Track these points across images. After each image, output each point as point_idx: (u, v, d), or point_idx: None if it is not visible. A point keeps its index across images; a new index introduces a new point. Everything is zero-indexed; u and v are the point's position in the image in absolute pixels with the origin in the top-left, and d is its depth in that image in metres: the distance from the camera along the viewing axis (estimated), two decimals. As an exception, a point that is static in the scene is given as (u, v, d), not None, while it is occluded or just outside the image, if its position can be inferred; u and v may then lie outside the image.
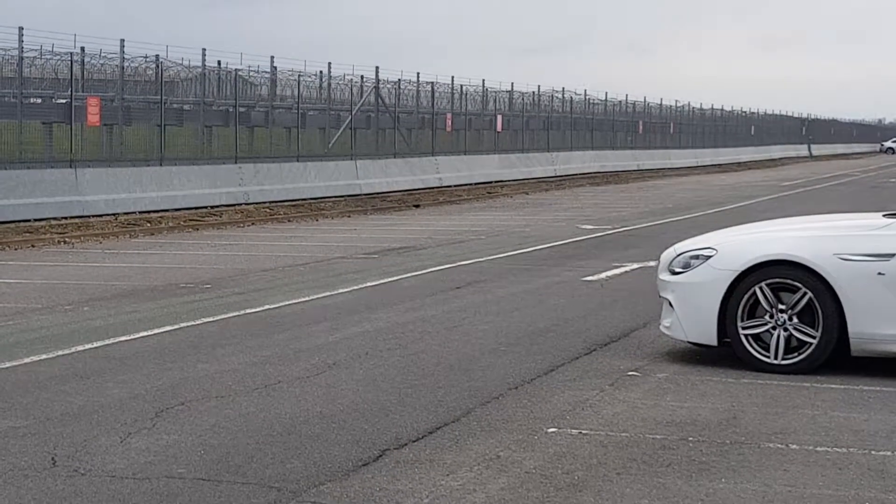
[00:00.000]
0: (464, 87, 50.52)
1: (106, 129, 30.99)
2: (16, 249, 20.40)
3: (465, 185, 43.34)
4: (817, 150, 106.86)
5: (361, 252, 19.85)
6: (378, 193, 37.08)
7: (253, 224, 26.69)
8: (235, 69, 37.45)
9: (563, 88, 60.79)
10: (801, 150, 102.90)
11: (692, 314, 9.91)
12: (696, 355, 10.24)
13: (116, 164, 29.61)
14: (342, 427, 7.79)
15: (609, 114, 66.38)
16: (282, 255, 19.24)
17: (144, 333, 11.46)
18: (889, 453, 7.25)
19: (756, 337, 9.68)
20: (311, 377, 9.38)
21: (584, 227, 25.56)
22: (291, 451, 7.20)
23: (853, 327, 9.42)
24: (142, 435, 7.57)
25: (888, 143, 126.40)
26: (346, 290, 14.79)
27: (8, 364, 9.90)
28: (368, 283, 15.43)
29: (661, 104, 75.22)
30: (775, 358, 9.59)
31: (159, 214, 27.53)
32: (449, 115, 47.54)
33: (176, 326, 11.88)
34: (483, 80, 52.59)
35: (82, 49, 31.69)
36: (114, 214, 26.68)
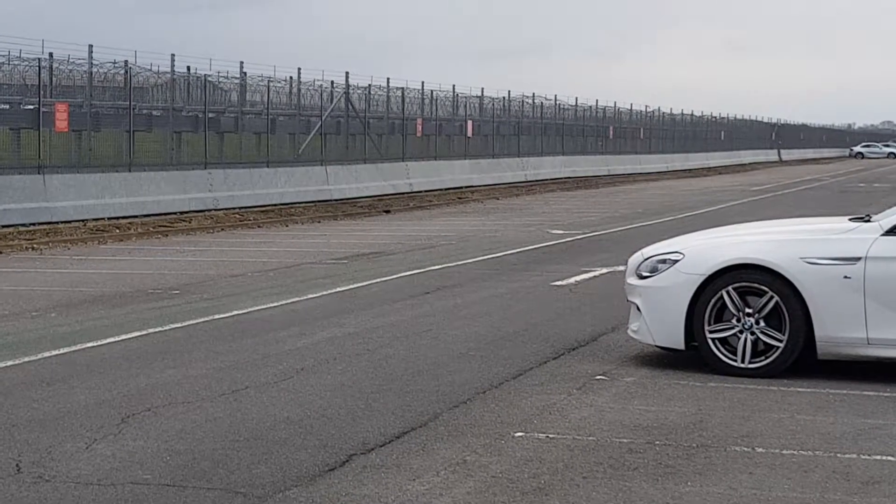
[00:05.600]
0: (434, 93, 50.52)
1: (74, 134, 30.84)
2: (-17, 256, 20.28)
3: (436, 190, 43.32)
4: (787, 154, 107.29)
5: (331, 257, 19.83)
6: (348, 199, 37.03)
7: (222, 230, 26.62)
8: (205, 74, 37.33)
9: (534, 94, 60.94)
10: (771, 154, 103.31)
11: (660, 318, 9.93)
12: (663, 359, 10.26)
13: (85, 170, 29.48)
14: (309, 432, 7.77)
15: (579, 119, 66.49)
16: (251, 261, 19.19)
17: (112, 339, 11.41)
18: (854, 456, 7.28)
19: (723, 341, 9.71)
20: (278, 382, 9.36)
21: (553, 232, 25.59)
22: (258, 457, 7.18)
23: (819, 331, 9.46)
24: (108, 441, 7.54)
25: (858, 148, 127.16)
26: (314, 295, 14.77)
27: (-27, 371, 9.85)
28: (337, 289, 15.41)
29: (631, 109, 75.40)
30: (742, 361, 9.63)
31: (128, 220, 27.44)
32: (419, 121, 47.53)
33: (143, 332, 11.83)
34: (453, 86, 52.70)
35: (50, 55, 31.53)
36: (82, 221, 26.57)
